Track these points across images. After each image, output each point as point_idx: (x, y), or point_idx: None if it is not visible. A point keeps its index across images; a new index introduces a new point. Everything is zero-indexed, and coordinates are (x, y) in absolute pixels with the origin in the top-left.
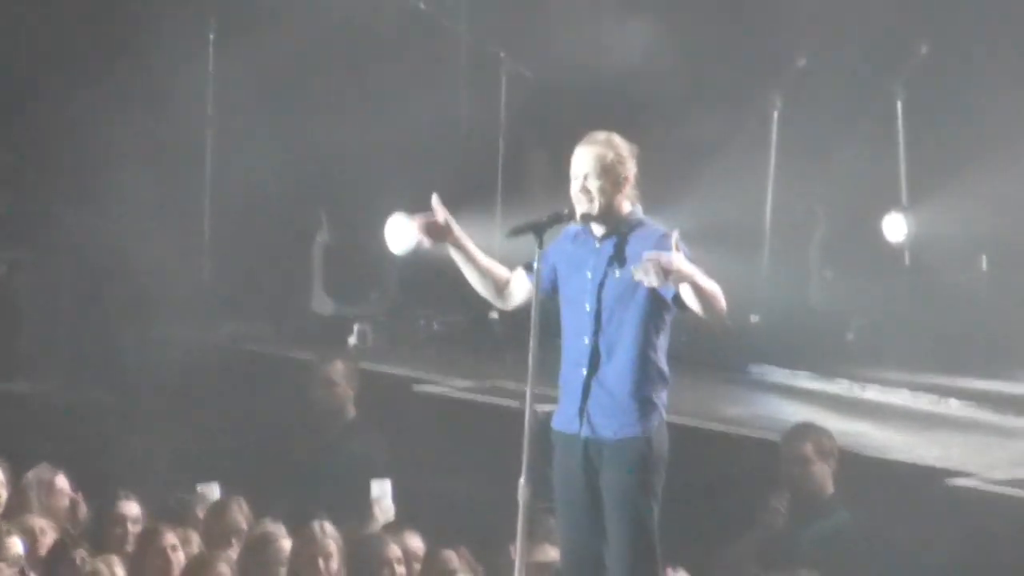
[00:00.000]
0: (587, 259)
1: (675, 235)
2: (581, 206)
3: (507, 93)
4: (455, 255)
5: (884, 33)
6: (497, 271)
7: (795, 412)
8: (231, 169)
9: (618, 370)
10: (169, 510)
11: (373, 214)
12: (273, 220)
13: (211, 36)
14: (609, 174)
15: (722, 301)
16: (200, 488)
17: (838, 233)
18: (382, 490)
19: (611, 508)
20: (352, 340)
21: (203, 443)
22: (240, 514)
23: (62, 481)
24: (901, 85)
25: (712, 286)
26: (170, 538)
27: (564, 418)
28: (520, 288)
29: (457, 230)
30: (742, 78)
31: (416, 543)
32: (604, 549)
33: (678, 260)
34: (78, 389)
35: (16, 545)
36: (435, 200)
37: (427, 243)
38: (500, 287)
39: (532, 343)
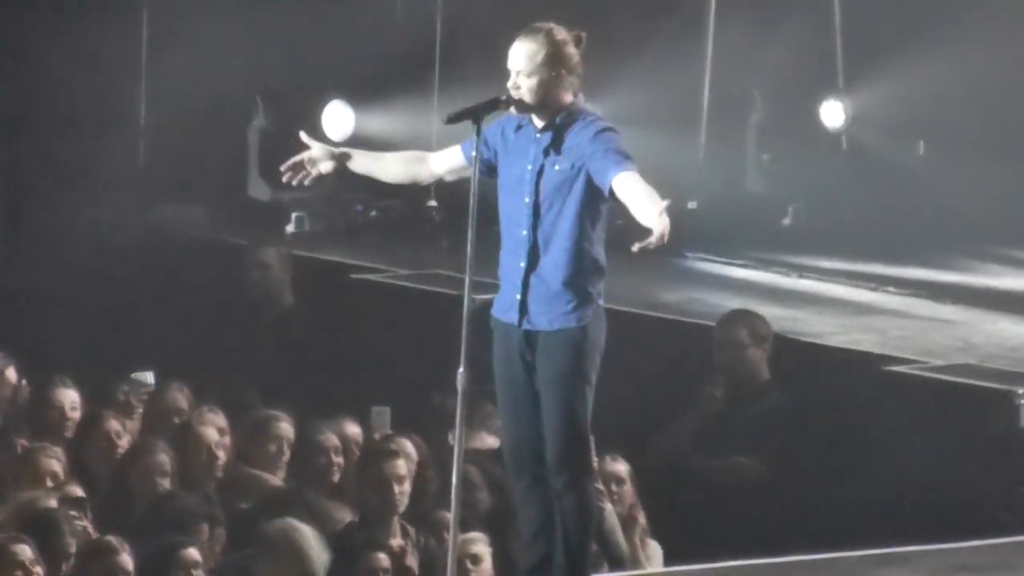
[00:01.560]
0: (527, 149)
1: (663, 204)
2: (516, 97)
3: None
4: (353, 169)
5: None
6: (402, 161)
7: (731, 298)
8: (167, 52)
9: (554, 261)
10: (105, 397)
11: (310, 99)
12: (209, 104)
13: None
14: (542, 70)
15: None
16: (135, 376)
17: (775, 117)
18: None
19: (545, 396)
20: (290, 227)
21: (138, 329)
22: (183, 401)
23: (11, 372)
24: None
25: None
26: (114, 424)
27: (502, 307)
28: (447, 163)
29: (333, 153)
30: None
31: (354, 430)
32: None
33: (665, 226)
34: (10, 273)
35: None
36: (303, 136)
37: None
38: (414, 172)
39: (470, 232)
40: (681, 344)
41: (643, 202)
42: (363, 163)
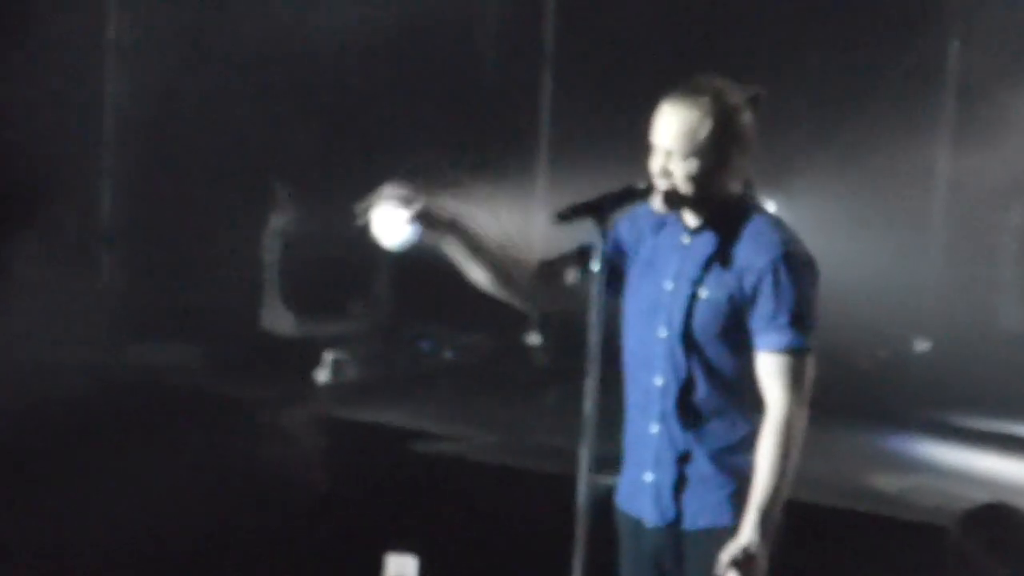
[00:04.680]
0: (668, 260)
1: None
2: (663, 187)
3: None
4: (454, 250)
5: None
6: (517, 260)
7: (976, 482)
8: (141, 113)
9: (703, 427)
10: None
11: (355, 187)
12: (205, 197)
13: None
14: (707, 152)
15: (794, 457)
16: None
17: None
18: (401, 570)
19: None
20: (323, 376)
21: (101, 519)
22: None
23: None
24: None
25: (781, 476)
26: None
27: (628, 492)
28: (567, 282)
29: (458, 218)
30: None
31: None
32: None
33: (748, 550)
34: None
35: None
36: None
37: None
38: (527, 281)
39: (591, 379)
40: (901, 549)
41: (758, 465)
42: (476, 247)
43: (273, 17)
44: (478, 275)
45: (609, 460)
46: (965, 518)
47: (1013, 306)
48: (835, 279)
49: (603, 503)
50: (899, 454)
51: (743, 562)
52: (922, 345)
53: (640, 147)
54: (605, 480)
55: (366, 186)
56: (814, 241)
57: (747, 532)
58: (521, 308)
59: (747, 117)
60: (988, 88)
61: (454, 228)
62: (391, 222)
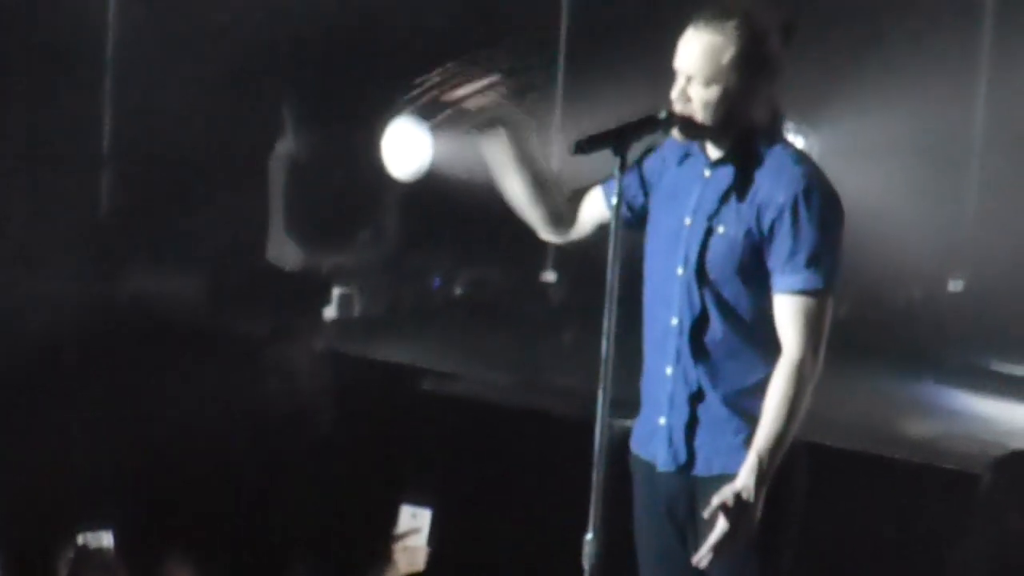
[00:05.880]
0: (690, 193)
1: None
2: (681, 114)
3: None
4: (500, 148)
5: None
6: (554, 186)
7: (1011, 429)
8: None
9: (718, 369)
10: (40, 569)
11: (364, 111)
12: (206, 119)
13: None
14: (729, 76)
15: (803, 404)
16: (84, 538)
17: None
18: (414, 522)
19: (709, 572)
20: (330, 311)
21: (90, 461)
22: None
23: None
24: None
25: (787, 422)
26: None
27: (643, 435)
28: (591, 215)
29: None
30: None
31: None
32: None
33: (741, 495)
34: None
35: None
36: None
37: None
38: (555, 209)
39: (608, 319)
40: (932, 497)
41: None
42: (522, 157)
43: None
44: (515, 183)
45: (627, 402)
46: (995, 465)
47: None
48: (866, 215)
49: (620, 446)
50: (931, 399)
51: (734, 507)
52: (954, 285)
53: (662, 76)
54: (623, 423)
55: (377, 110)
56: (844, 174)
57: (742, 477)
58: (545, 233)
59: (776, 43)
60: None
61: (507, 123)
62: (405, 143)
